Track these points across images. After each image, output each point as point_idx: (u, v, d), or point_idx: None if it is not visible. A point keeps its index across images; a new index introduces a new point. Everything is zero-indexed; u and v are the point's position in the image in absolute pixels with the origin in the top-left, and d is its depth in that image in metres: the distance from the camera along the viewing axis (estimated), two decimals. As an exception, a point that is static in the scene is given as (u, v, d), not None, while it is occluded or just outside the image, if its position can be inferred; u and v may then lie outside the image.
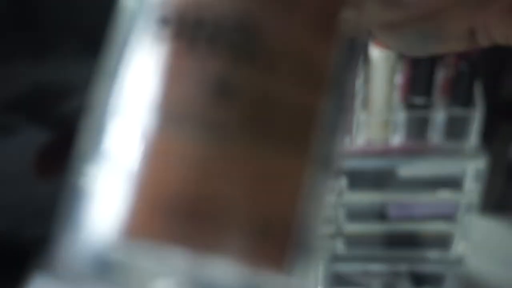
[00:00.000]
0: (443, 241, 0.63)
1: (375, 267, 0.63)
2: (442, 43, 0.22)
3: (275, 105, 0.14)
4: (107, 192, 0.14)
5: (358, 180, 0.60)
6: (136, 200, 0.14)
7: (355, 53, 0.16)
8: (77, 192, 0.15)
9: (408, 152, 0.58)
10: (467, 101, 0.56)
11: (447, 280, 0.63)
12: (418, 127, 0.58)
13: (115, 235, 0.14)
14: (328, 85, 0.15)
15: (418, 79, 0.56)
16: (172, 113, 0.14)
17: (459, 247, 0.62)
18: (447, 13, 0.21)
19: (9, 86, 0.83)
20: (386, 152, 0.58)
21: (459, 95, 0.56)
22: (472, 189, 0.58)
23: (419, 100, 0.57)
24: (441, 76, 0.56)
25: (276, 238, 0.14)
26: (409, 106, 0.57)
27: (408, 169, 0.60)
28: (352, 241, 0.63)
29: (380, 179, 0.60)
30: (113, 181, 0.14)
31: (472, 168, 0.57)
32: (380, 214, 0.62)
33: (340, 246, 0.62)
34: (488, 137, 0.69)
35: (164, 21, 0.14)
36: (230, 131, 0.14)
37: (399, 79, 0.56)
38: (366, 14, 0.18)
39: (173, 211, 0.13)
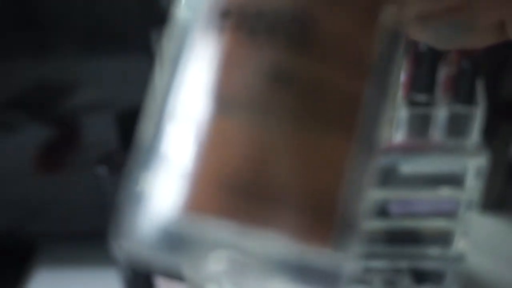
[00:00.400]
0: (444, 238, 0.63)
1: (376, 263, 0.63)
2: (473, 35, 0.22)
3: (325, 91, 0.15)
4: (171, 173, 0.15)
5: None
6: (196, 179, 0.15)
7: (398, 43, 0.17)
8: (136, 195, 0.16)
9: (409, 150, 0.58)
10: (469, 99, 0.56)
11: (448, 276, 0.64)
12: (420, 125, 0.58)
13: (178, 210, 0.15)
14: (372, 73, 0.16)
15: (420, 77, 0.56)
16: (231, 97, 0.15)
17: (459, 244, 0.62)
18: (478, 4, 0.21)
19: (10, 84, 0.83)
20: (388, 149, 0.59)
21: (461, 93, 0.56)
22: (473, 186, 0.58)
23: (421, 97, 0.57)
24: (443, 74, 0.56)
25: (323, 215, 0.15)
26: (411, 103, 0.57)
27: (410, 166, 0.61)
28: (353, 237, 0.63)
29: (381, 176, 0.61)
30: (176, 163, 0.15)
31: (473, 166, 0.58)
32: (381, 211, 0.62)
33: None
34: (489, 136, 0.69)
35: (225, 13, 0.15)
36: (284, 115, 0.15)
37: (401, 76, 0.56)
38: (405, 8, 0.18)
39: (229, 189, 0.15)
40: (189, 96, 0.16)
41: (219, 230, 0.15)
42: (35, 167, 0.86)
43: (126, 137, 0.86)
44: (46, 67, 0.84)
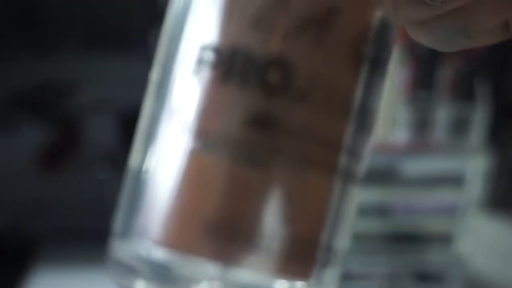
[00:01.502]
0: (445, 238, 0.63)
1: (378, 263, 0.63)
2: (474, 38, 0.21)
3: (303, 131, 0.15)
4: (155, 206, 0.16)
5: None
6: (176, 216, 0.15)
7: (379, 76, 0.17)
8: (136, 184, 0.16)
9: (411, 150, 0.58)
10: (471, 99, 0.56)
11: (449, 277, 0.64)
12: (421, 125, 0.58)
13: (160, 245, 0.15)
14: (353, 109, 0.16)
15: (422, 77, 0.56)
16: (211, 135, 0.15)
17: (461, 245, 0.62)
18: (477, 8, 0.20)
19: (12, 83, 0.83)
20: (389, 149, 0.58)
21: (463, 93, 0.56)
22: (475, 187, 0.58)
23: (423, 97, 0.57)
24: (445, 74, 0.56)
25: (303, 252, 0.16)
26: (413, 103, 0.57)
27: (411, 167, 0.61)
28: (355, 237, 0.63)
29: (383, 176, 0.61)
30: (159, 194, 0.16)
31: (475, 166, 0.58)
32: (383, 211, 0.62)
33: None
34: (492, 136, 0.69)
35: (203, 51, 0.15)
36: (261, 156, 0.15)
37: (403, 76, 0.56)
38: (396, 12, 0.18)
39: (209, 228, 0.15)
40: (170, 130, 0.16)
41: (200, 266, 0.15)
42: (37, 167, 0.86)
43: (127, 137, 0.86)
44: (47, 66, 0.84)
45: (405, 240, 0.63)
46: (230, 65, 0.15)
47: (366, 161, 0.17)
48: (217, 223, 0.15)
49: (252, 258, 0.15)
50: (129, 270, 0.16)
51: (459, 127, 0.58)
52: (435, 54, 0.55)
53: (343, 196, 0.16)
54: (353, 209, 0.17)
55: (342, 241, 0.17)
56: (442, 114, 0.57)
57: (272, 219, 0.15)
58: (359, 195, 0.60)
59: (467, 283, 0.68)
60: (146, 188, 0.16)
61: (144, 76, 0.86)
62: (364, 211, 0.62)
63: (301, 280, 0.16)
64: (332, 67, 0.16)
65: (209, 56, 0.15)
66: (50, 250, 0.83)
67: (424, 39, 0.22)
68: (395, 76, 0.56)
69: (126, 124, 0.86)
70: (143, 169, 0.16)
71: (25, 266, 0.81)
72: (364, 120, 0.16)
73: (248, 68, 0.15)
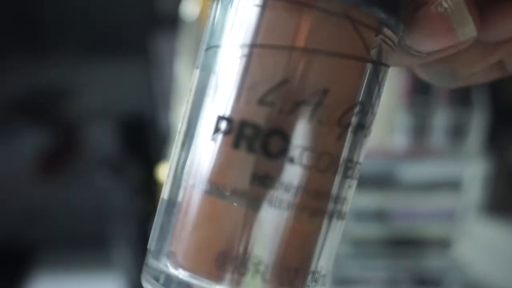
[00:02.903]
0: (444, 243, 0.63)
1: (376, 268, 0.63)
2: (461, 81, 0.23)
3: (296, 187, 0.20)
4: (179, 236, 0.20)
5: (359, 181, 0.60)
6: (194, 247, 0.20)
7: (379, 78, 0.20)
8: (165, 215, 0.21)
9: (409, 154, 0.58)
10: (469, 104, 0.56)
11: (448, 282, 0.64)
12: (419, 130, 0.58)
13: (182, 268, 0.20)
14: (338, 167, 0.20)
15: (420, 82, 0.56)
16: (222, 189, 0.20)
17: (460, 250, 0.62)
18: (462, 56, 0.21)
19: (11, 89, 0.84)
20: (388, 155, 0.59)
21: (461, 98, 0.56)
22: (473, 191, 0.59)
23: (421, 103, 0.57)
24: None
25: (293, 278, 0.20)
26: (411, 109, 0.57)
27: (410, 172, 0.61)
28: (353, 242, 0.63)
29: (381, 181, 0.61)
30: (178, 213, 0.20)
31: (473, 171, 0.58)
32: (381, 216, 0.63)
33: (341, 248, 0.63)
34: (490, 140, 0.69)
35: (219, 121, 0.20)
36: (261, 204, 0.19)
37: (401, 82, 0.56)
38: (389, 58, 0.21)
39: (217, 258, 0.19)
40: (191, 179, 0.20)
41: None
42: (35, 173, 0.86)
43: (126, 143, 0.86)
44: (47, 74, 0.84)
45: (404, 245, 0.63)
46: (240, 134, 0.19)
47: (350, 201, 0.21)
48: (225, 254, 0.19)
49: (250, 283, 0.19)
50: (159, 285, 0.20)
51: (457, 132, 0.58)
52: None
53: (331, 231, 0.20)
54: (339, 237, 0.21)
55: (328, 263, 0.21)
56: (440, 119, 0.57)
57: (268, 252, 0.19)
58: (358, 200, 0.60)
59: (465, 286, 0.68)
60: (172, 220, 0.20)
61: (143, 82, 0.87)
62: (363, 216, 0.62)
63: None
64: (322, 137, 0.20)
65: (224, 125, 0.19)
66: (48, 256, 0.83)
67: (428, 78, 0.24)
68: (394, 82, 0.56)
69: (126, 130, 0.87)
70: (171, 204, 0.21)
71: (23, 272, 0.81)
72: (348, 172, 0.20)
73: (254, 136, 0.19)
